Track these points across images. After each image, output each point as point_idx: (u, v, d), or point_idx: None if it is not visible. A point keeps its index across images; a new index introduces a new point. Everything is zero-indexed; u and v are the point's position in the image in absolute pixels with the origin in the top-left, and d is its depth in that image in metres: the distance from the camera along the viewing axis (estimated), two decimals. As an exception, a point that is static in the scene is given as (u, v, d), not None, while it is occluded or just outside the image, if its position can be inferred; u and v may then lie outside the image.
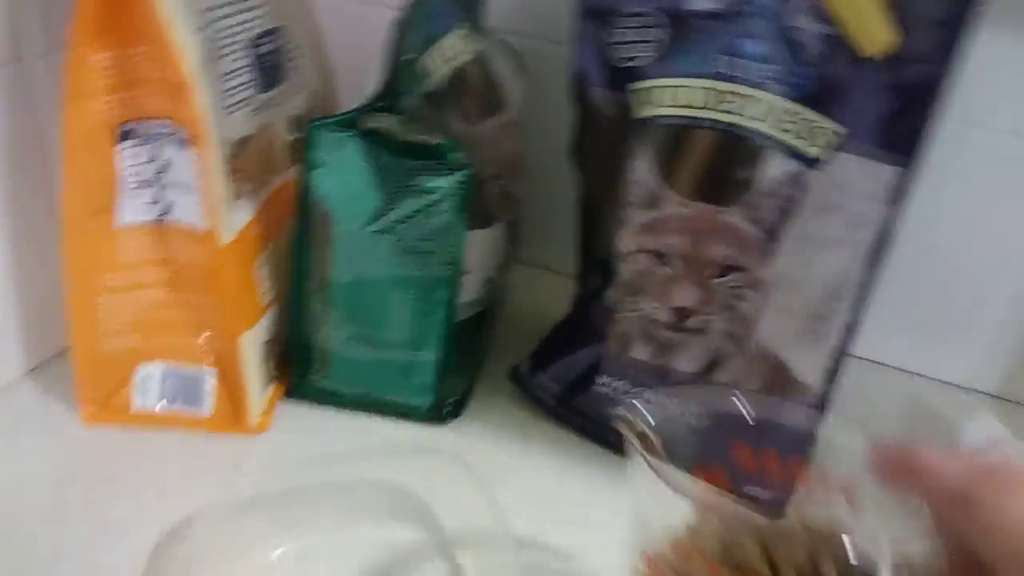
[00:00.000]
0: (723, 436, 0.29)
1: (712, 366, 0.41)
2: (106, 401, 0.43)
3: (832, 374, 0.41)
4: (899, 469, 0.23)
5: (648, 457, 0.26)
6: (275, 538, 0.37)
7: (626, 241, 0.41)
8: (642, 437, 0.27)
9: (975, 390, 0.54)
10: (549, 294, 0.51)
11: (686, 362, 0.41)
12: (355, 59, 0.44)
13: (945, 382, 0.55)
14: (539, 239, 0.58)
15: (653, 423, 0.28)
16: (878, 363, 0.56)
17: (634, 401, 0.28)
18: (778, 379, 0.40)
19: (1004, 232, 0.50)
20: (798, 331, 0.40)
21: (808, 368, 0.40)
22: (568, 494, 0.42)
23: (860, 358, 0.54)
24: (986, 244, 0.50)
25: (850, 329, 0.40)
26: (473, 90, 0.44)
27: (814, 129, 0.37)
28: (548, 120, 0.49)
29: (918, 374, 0.56)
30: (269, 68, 0.44)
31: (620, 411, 0.28)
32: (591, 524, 0.41)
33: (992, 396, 0.54)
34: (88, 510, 0.39)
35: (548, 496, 0.42)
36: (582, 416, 0.45)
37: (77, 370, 0.42)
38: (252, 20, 0.42)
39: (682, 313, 0.40)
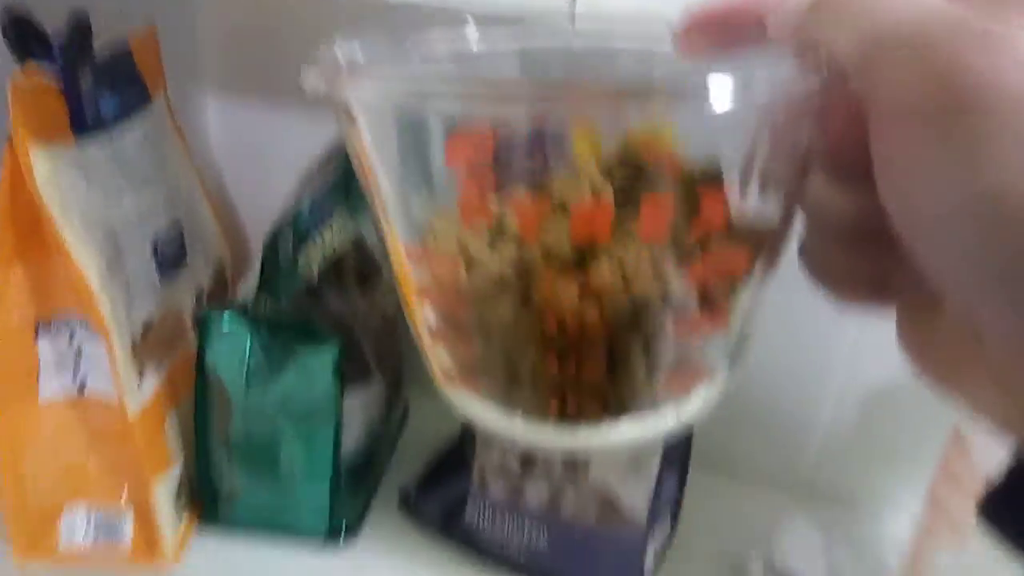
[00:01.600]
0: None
1: (555, 499, 0.48)
2: (36, 542, 0.50)
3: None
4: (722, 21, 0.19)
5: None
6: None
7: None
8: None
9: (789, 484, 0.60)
10: (448, 413, 0.58)
11: (534, 497, 0.48)
12: (266, 218, 0.51)
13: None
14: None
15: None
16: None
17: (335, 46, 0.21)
18: (609, 510, 0.47)
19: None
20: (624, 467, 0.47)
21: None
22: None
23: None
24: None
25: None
26: (349, 270, 0.51)
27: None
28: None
29: (738, 471, 0.62)
30: (169, 260, 0.51)
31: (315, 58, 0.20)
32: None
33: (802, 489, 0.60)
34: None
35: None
36: (463, 536, 0.52)
37: (7, 519, 0.49)
38: (150, 224, 0.49)
39: (527, 458, 0.48)
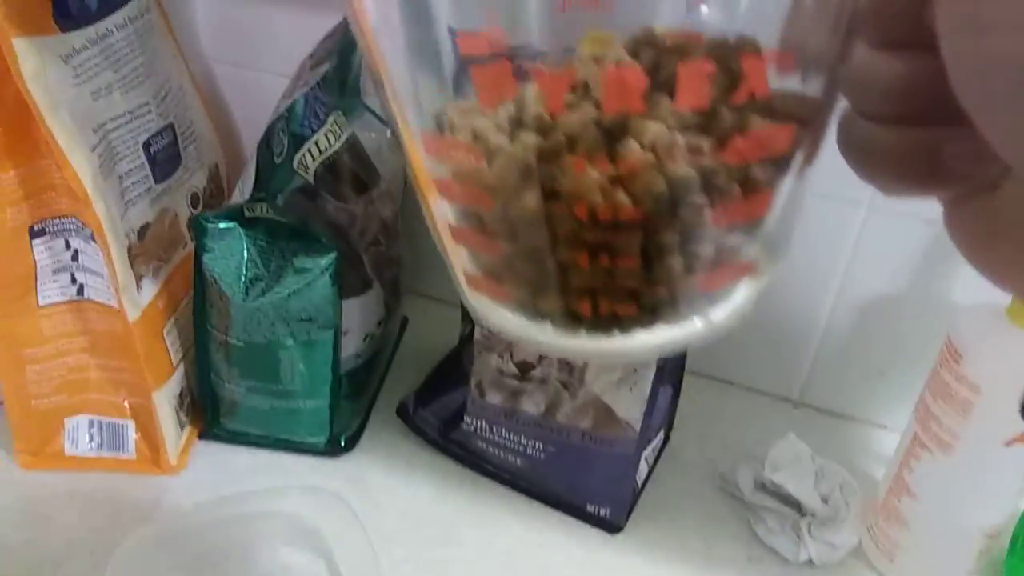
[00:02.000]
0: None
1: (551, 408, 0.48)
2: (40, 450, 0.50)
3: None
4: None
5: None
6: (186, 572, 0.45)
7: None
8: None
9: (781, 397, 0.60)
10: (443, 328, 0.58)
11: (531, 406, 0.49)
12: (259, 115, 0.50)
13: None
14: (435, 275, 0.65)
15: None
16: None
17: None
18: (603, 420, 0.48)
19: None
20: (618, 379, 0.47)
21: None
22: (442, 516, 0.50)
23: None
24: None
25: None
26: (345, 174, 0.50)
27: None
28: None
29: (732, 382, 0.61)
30: (163, 162, 0.50)
31: None
32: (461, 542, 0.49)
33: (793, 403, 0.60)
34: (26, 547, 0.46)
35: (423, 519, 0.50)
36: (459, 446, 0.53)
37: (12, 425, 0.50)
38: (142, 126, 0.48)
39: (524, 366, 0.48)
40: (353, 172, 0.51)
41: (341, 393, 0.51)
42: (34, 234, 0.46)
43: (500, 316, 0.21)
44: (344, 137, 0.51)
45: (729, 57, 0.18)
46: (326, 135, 0.49)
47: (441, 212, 0.21)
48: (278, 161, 0.46)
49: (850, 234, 0.52)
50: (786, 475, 0.49)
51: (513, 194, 0.18)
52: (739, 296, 0.21)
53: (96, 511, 0.49)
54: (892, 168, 0.19)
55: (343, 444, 0.53)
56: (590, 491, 0.49)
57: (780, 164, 0.19)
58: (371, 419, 0.56)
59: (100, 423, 0.51)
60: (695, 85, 0.17)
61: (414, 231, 0.59)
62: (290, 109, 0.47)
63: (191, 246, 0.51)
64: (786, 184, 0.19)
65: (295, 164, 0.48)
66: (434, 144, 0.20)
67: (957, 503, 0.43)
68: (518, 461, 0.51)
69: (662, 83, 0.18)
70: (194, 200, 0.54)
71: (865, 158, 0.19)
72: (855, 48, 0.18)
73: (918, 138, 0.18)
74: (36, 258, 0.47)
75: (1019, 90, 0.14)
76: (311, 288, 0.47)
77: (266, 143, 0.45)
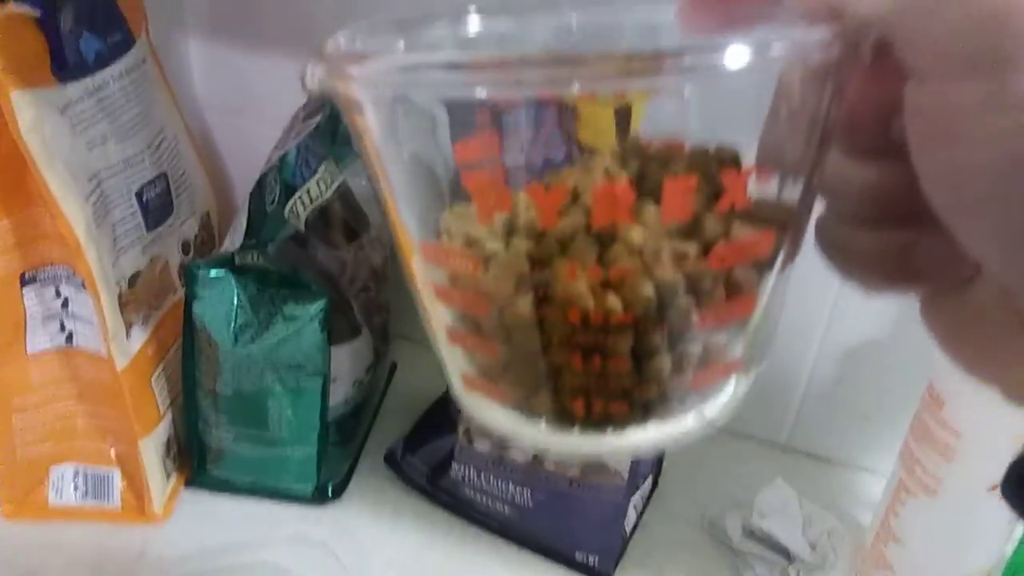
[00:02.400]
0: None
1: (539, 456, 0.48)
2: (24, 499, 0.50)
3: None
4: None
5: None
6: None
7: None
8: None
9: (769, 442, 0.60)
10: (432, 373, 0.58)
11: (519, 453, 0.49)
12: (252, 167, 0.51)
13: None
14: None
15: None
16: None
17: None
18: (592, 467, 0.48)
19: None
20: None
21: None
22: (429, 565, 0.50)
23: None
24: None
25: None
26: (336, 221, 0.51)
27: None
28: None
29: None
30: (155, 210, 0.50)
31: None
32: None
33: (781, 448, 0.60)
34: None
35: (411, 568, 0.49)
36: (447, 494, 0.53)
37: (-3, 475, 0.49)
38: (136, 175, 0.48)
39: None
40: (344, 219, 0.52)
41: (329, 440, 0.51)
42: (25, 282, 0.46)
43: (493, 414, 0.22)
44: (335, 185, 0.52)
45: (711, 169, 0.19)
46: (317, 183, 0.50)
47: (438, 315, 0.21)
48: (270, 209, 0.47)
49: (833, 280, 0.53)
50: (774, 521, 0.49)
51: (508, 299, 0.19)
52: (729, 391, 0.22)
53: (80, 563, 0.48)
54: (868, 267, 0.19)
55: (330, 492, 0.52)
56: (578, 539, 0.49)
57: (762, 266, 0.20)
58: (359, 466, 0.56)
59: (85, 472, 0.50)
60: (680, 199, 0.18)
61: (403, 277, 0.60)
62: (282, 159, 0.48)
63: (181, 293, 0.51)
64: (768, 283, 0.20)
65: (287, 212, 0.49)
66: (432, 250, 0.21)
67: (944, 548, 0.43)
68: (506, 509, 0.51)
69: (648, 192, 0.19)
70: (185, 248, 0.55)
71: (842, 258, 0.20)
72: (829, 156, 0.19)
73: (892, 239, 0.19)
74: (26, 306, 0.47)
75: (986, 196, 0.15)
76: (300, 335, 0.47)
77: (258, 192, 0.46)
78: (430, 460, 0.53)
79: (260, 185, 0.46)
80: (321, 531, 0.51)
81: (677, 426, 0.21)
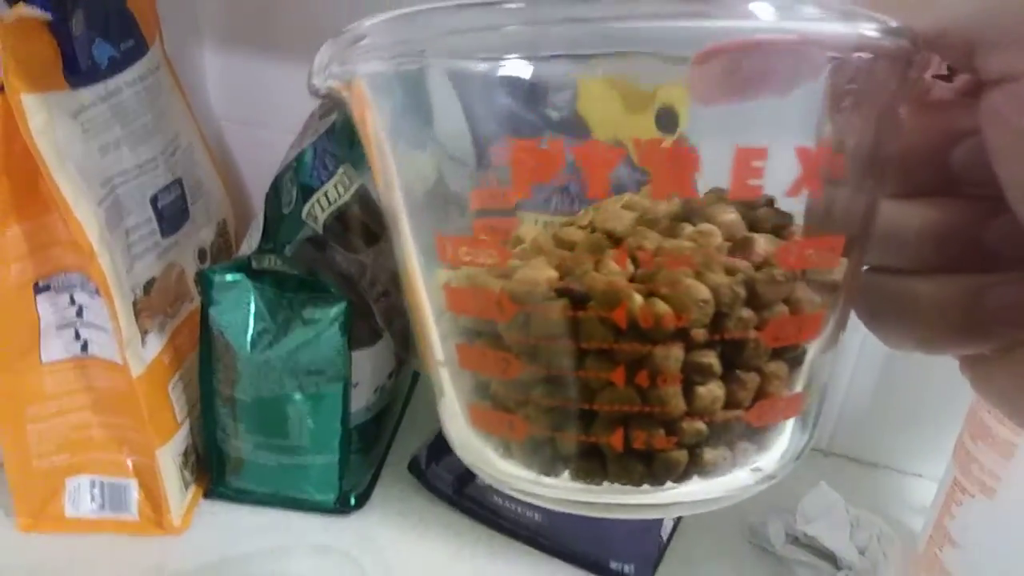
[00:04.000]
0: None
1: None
2: (40, 511, 0.49)
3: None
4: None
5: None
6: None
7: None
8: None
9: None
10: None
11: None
12: (267, 172, 0.50)
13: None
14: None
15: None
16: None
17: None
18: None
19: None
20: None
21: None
22: (456, 570, 0.48)
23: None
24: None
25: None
26: (355, 224, 0.50)
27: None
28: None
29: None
30: (171, 216, 0.49)
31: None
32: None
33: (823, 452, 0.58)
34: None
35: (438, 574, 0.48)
36: (474, 502, 0.51)
37: (12, 486, 0.48)
38: (150, 181, 0.48)
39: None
40: (363, 223, 0.50)
41: (351, 448, 0.49)
42: (39, 290, 0.45)
43: (502, 466, 0.19)
44: (354, 188, 0.51)
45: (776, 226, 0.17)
46: (335, 186, 0.48)
47: (445, 334, 0.19)
48: (286, 212, 0.46)
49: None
50: (819, 526, 0.46)
51: (537, 297, 0.16)
52: (785, 441, 0.19)
53: (98, 573, 0.47)
54: (932, 322, 0.17)
55: (353, 502, 0.51)
56: (614, 547, 0.47)
57: (829, 286, 0.18)
58: (382, 475, 0.54)
59: (102, 483, 0.49)
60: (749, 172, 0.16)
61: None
62: (299, 159, 0.46)
63: (198, 302, 0.50)
64: (818, 346, 0.18)
65: (304, 215, 0.47)
66: (452, 244, 0.18)
67: (1004, 550, 0.40)
68: (537, 516, 0.48)
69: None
70: (201, 255, 0.54)
71: (901, 318, 0.18)
72: (881, 204, 0.17)
73: (958, 286, 0.17)
74: (40, 314, 0.46)
75: None
76: (320, 340, 0.46)
77: (274, 193, 0.45)
78: (456, 467, 0.51)
79: (276, 186, 0.45)
80: (344, 542, 0.49)
81: (726, 480, 0.18)
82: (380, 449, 0.54)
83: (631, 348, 0.16)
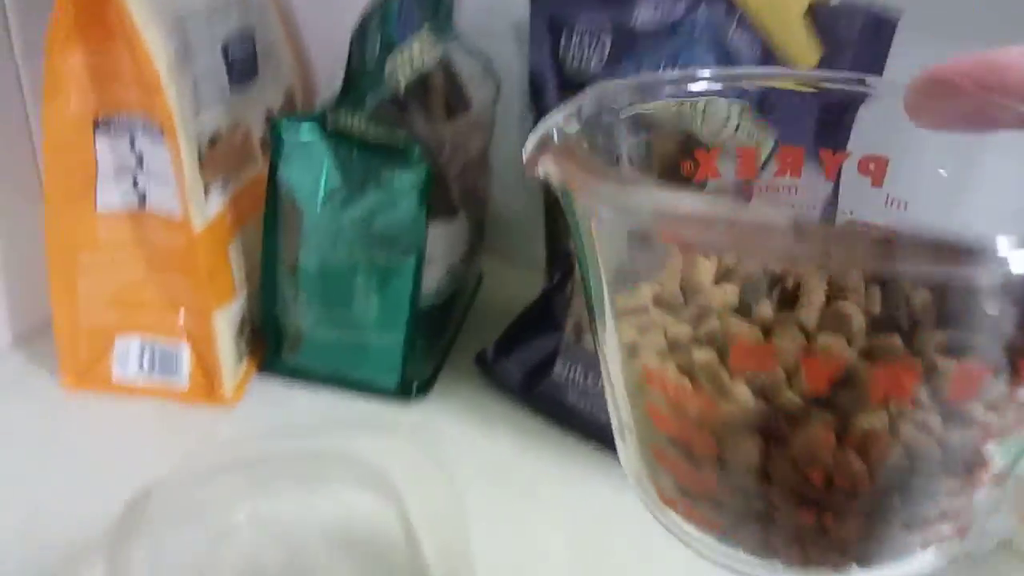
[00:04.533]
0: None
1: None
2: (87, 371, 0.46)
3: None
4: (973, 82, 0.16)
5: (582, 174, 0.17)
6: (241, 501, 0.39)
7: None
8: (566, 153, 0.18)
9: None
10: (519, 287, 0.53)
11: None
12: (333, 53, 0.46)
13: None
14: (512, 234, 0.60)
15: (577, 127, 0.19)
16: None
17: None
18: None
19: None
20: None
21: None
22: (522, 473, 0.45)
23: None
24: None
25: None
26: (437, 93, 0.46)
27: (760, 137, 0.39)
28: (515, 119, 0.51)
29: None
30: (240, 69, 0.46)
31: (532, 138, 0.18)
32: (541, 498, 0.43)
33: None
34: (65, 472, 0.42)
35: (503, 473, 0.44)
36: (543, 400, 0.47)
37: (58, 342, 0.45)
38: (224, 22, 0.44)
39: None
40: (445, 94, 0.46)
41: (417, 328, 0.46)
42: (98, 128, 0.42)
43: (688, 529, 0.20)
44: (437, 55, 0.47)
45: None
46: (419, 48, 0.44)
47: (642, 427, 0.20)
48: (369, 67, 0.42)
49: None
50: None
51: (737, 445, 0.18)
52: (953, 545, 0.20)
53: (141, 443, 0.44)
54: None
55: (415, 390, 0.48)
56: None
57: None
58: (444, 369, 0.51)
59: (152, 346, 0.46)
60: (968, 383, 0.17)
61: (501, 167, 0.54)
62: (385, 5, 0.42)
63: (262, 166, 0.47)
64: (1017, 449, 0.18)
65: (386, 73, 0.43)
66: (655, 377, 0.19)
67: None
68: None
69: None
70: (269, 118, 0.50)
71: None
72: None
73: None
74: (98, 156, 0.42)
75: None
76: (396, 206, 0.42)
77: (360, 35, 0.41)
78: (526, 362, 0.48)
79: (362, 28, 0.41)
80: (403, 430, 0.46)
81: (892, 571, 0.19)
82: (444, 341, 0.51)
83: (819, 497, 0.17)
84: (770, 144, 0.40)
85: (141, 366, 0.46)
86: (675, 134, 0.44)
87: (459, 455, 0.45)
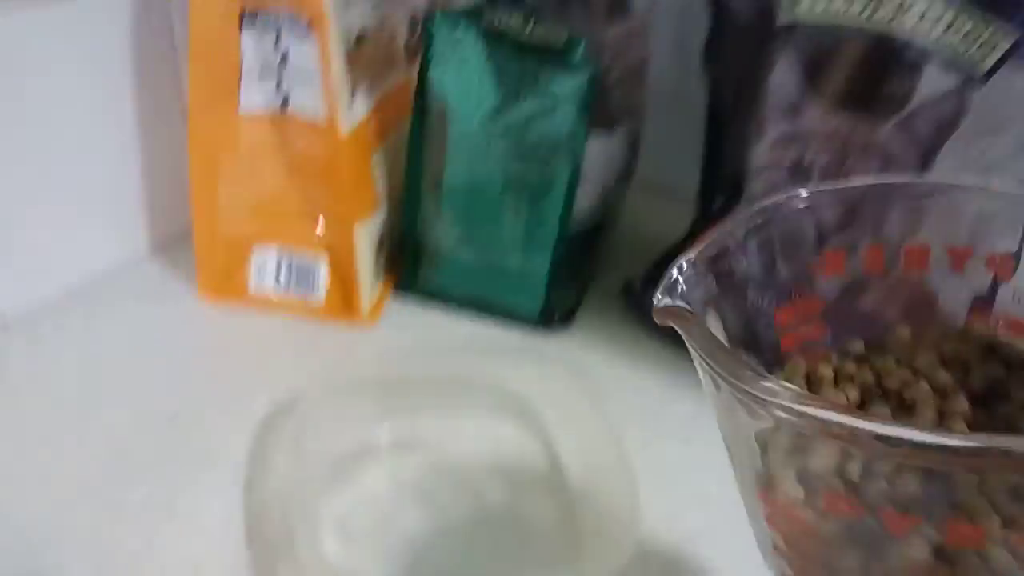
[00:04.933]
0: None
1: (850, 290, 0.38)
2: (224, 282, 0.45)
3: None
4: None
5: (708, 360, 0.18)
6: (380, 421, 0.37)
7: (760, 155, 0.38)
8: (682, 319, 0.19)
9: None
10: (666, 217, 0.49)
11: (824, 284, 0.39)
12: None
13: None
14: (660, 161, 0.55)
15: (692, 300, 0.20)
16: None
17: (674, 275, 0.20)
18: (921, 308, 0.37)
19: None
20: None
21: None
22: (673, 411, 0.41)
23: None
24: None
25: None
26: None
27: (980, 37, 0.33)
28: (676, 30, 0.46)
29: None
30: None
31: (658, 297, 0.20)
32: (693, 441, 0.39)
33: None
34: (203, 381, 0.40)
35: (653, 411, 0.41)
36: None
37: (197, 251, 0.44)
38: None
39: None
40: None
41: (566, 249, 0.42)
42: (245, 23, 0.40)
43: None
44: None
45: None
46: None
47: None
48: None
49: None
50: None
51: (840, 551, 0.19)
52: None
53: (278, 354, 0.42)
54: None
55: (559, 318, 0.44)
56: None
57: None
58: (588, 298, 0.47)
59: (291, 258, 0.44)
60: None
61: (659, 90, 0.50)
62: None
63: (407, 72, 0.44)
64: None
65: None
66: (769, 501, 0.21)
67: None
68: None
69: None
70: (413, 26, 0.47)
71: None
72: None
73: None
74: (244, 53, 0.40)
75: None
76: (555, 114, 0.39)
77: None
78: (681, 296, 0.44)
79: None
80: (547, 358, 0.43)
81: None
82: (591, 269, 0.48)
83: None
84: (1004, 45, 0.35)
85: (278, 279, 0.44)
86: (862, 44, 0.39)
87: (606, 389, 0.42)
